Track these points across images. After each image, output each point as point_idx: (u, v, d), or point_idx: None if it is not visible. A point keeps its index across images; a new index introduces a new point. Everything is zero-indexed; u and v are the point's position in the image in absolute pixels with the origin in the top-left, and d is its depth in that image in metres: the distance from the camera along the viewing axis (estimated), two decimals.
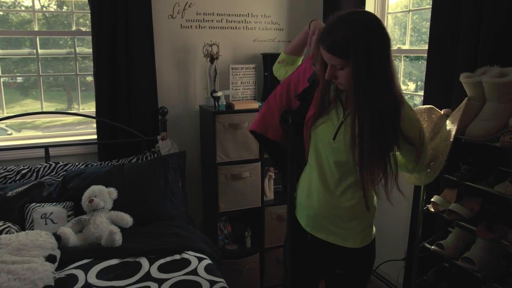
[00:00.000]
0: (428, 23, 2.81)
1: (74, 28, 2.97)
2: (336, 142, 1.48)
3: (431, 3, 2.29)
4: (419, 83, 2.97)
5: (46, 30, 2.95)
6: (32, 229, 2.29)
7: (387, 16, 3.04)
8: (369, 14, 1.33)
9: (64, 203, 2.46)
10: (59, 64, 3.02)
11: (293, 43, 1.75)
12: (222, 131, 2.88)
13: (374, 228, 1.66)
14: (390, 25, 3.07)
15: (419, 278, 2.27)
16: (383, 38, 1.31)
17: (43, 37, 2.91)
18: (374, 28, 1.30)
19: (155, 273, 2.04)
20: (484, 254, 1.92)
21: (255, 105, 2.99)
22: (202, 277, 2.02)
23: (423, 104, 2.36)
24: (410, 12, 2.84)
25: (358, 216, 1.57)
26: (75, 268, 2.04)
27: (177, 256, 2.21)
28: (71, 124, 3.15)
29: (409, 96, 3.00)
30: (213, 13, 3.14)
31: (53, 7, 2.98)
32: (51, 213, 2.38)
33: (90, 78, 3.09)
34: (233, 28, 3.23)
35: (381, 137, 1.35)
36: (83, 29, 3.00)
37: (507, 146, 1.67)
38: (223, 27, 3.19)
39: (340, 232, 1.59)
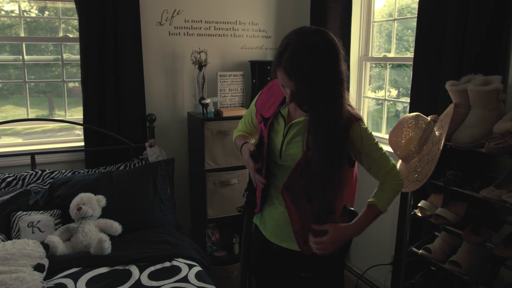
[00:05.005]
0: (410, 31, 2.89)
1: (61, 34, 2.95)
2: (282, 160, 1.54)
3: (417, 12, 2.34)
4: (401, 89, 3.03)
5: (31, 36, 2.91)
6: (19, 238, 2.26)
7: (373, 25, 3.10)
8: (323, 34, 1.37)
9: (52, 211, 2.43)
10: (41, 70, 2.99)
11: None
12: (211, 138, 2.89)
13: None
14: (374, 33, 3.13)
15: (407, 282, 2.31)
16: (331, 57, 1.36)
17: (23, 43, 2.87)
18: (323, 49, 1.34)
19: (145, 281, 2.03)
20: (470, 257, 1.97)
21: (243, 112, 3.00)
22: (193, 284, 2.02)
23: (409, 111, 2.42)
24: (395, 21, 2.90)
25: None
26: (64, 277, 2.02)
27: (167, 264, 2.20)
28: (52, 131, 3.11)
29: (391, 102, 3.06)
30: (201, 20, 3.16)
31: (34, 12, 2.95)
32: (38, 221, 2.35)
33: (72, 84, 3.07)
34: (221, 36, 3.25)
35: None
36: (70, 35, 2.98)
37: (492, 152, 1.72)
38: (211, 35, 3.21)
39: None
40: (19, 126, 3.00)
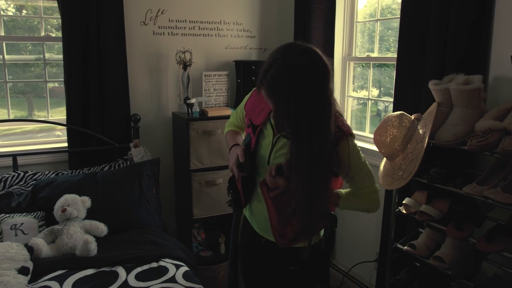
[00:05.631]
0: (390, 31, 2.94)
1: (43, 33, 2.90)
2: (270, 166, 1.53)
3: (400, 13, 2.38)
4: (382, 89, 3.08)
5: (9, 35, 2.85)
6: (2, 241, 2.21)
7: (356, 25, 3.14)
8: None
9: (35, 213, 2.39)
10: (20, 70, 2.93)
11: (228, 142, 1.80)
12: (196, 137, 2.89)
13: None
14: (358, 33, 3.18)
15: (392, 278, 2.34)
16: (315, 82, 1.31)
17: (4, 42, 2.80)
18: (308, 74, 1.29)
19: (132, 282, 2.02)
20: (454, 253, 2.01)
21: (228, 111, 3.01)
22: (180, 284, 2.01)
23: (393, 110, 2.46)
24: (378, 22, 2.94)
25: None
26: (50, 279, 1.99)
27: (154, 264, 2.19)
28: (32, 132, 3.04)
29: (373, 102, 3.10)
30: (185, 20, 3.15)
31: (11, 11, 2.89)
32: (22, 223, 2.31)
33: (51, 85, 3.02)
34: (206, 35, 3.25)
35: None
36: (52, 34, 2.94)
37: (474, 149, 1.77)
38: (195, 34, 3.20)
39: None
40: None
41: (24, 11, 2.90)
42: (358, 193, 1.53)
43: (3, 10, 2.82)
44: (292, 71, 1.27)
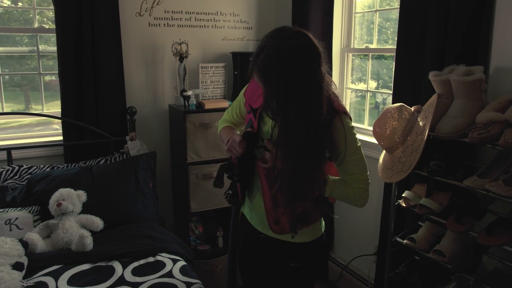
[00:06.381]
0: (389, 23, 2.90)
1: (36, 25, 2.85)
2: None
3: (399, 3, 2.34)
4: (380, 81, 3.04)
5: (4, 27, 2.81)
6: None
7: (355, 16, 3.10)
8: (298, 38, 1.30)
9: (30, 208, 2.36)
10: (16, 63, 2.88)
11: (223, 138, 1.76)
12: (193, 130, 2.86)
13: (323, 221, 1.68)
14: (356, 24, 3.13)
15: (391, 272, 2.33)
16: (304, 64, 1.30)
17: None
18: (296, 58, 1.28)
19: (129, 276, 2.00)
20: (454, 246, 1.99)
21: (225, 104, 2.98)
22: (177, 279, 1.99)
23: (392, 102, 2.43)
24: (377, 12, 2.90)
25: None
26: (45, 275, 1.96)
27: (151, 259, 2.17)
28: (29, 126, 3.01)
29: (371, 94, 3.06)
30: (181, 11, 3.10)
31: (7, 2, 2.83)
32: (16, 218, 2.28)
33: (49, 78, 2.97)
34: (202, 27, 3.20)
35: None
36: (46, 26, 2.89)
37: (475, 141, 1.74)
38: (192, 26, 3.16)
39: None
40: None
41: (20, 3, 2.85)
42: (346, 179, 1.51)
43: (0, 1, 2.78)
44: (282, 55, 1.27)
